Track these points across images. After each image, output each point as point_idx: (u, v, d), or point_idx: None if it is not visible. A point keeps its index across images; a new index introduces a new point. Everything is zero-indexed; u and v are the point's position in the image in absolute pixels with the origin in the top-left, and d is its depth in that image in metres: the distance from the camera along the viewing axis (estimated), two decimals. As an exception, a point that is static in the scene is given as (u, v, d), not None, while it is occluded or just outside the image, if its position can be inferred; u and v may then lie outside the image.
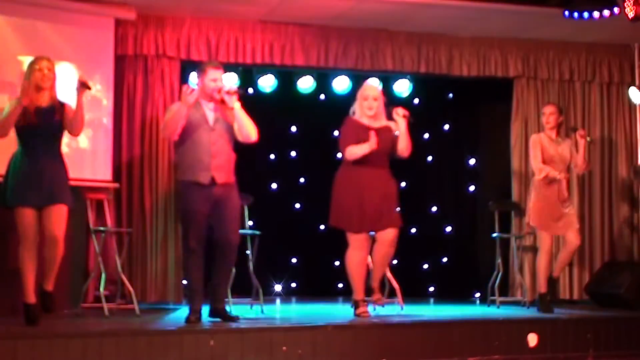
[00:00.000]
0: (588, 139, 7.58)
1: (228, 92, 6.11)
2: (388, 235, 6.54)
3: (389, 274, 7.58)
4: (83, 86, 5.80)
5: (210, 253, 6.16)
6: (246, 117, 6.18)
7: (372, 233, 6.61)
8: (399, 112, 6.58)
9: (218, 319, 6.09)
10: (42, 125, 5.76)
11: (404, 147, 6.62)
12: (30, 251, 5.76)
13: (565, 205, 7.40)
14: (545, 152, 7.40)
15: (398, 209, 6.72)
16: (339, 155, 6.70)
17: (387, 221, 6.54)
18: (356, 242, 6.51)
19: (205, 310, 6.16)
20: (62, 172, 5.87)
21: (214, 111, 6.16)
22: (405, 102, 8.75)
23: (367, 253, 6.57)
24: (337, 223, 6.58)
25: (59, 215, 5.80)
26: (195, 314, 6.03)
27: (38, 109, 5.77)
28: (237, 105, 6.12)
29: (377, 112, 6.62)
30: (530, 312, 7.41)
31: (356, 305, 6.57)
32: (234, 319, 6.07)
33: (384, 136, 6.56)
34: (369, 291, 6.65)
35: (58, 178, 5.82)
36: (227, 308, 6.30)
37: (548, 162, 7.39)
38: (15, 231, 5.86)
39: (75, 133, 5.93)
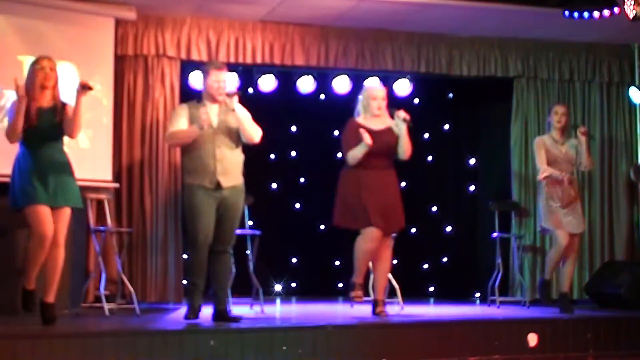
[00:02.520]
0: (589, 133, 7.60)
1: (228, 95, 6.11)
2: (387, 241, 6.58)
3: (389, 274, 7.58)
4: (84, 88, 5.76)
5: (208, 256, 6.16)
6: (248, 118, 6.18)
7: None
8: (400, 115, 6.60)
9: (221, 321, 6.08)
10: (44, 126, 5.75)
11: (404, 149, 6.63)
12: (44, 249, 5.69)
13: (575, 204, 7.40)
14: (549, 153, 7.39)
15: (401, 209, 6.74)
16: (340, 155, 6.71)
17: (392, 223, 6.56)
18: (368, 234, 6.50)
19: (207, 311, 6.16)
20: (67, 171, 5.86)
21: (218, 114, 6.16)
22: (405, 102, 8.78)
23: (377, 246, 6.55)
24: (342, 222, 6.59)
25: (63, 219, 5.80)
26: (194, 312, 6.04)
27: (40, 109, 5.76)
28: (237, 107, 6.12)
29: (382, 112, 6.65)
30: (530, 312, 7.41)
31: (353, 286, 6.57)
32: (237, 319, 6.08)
33: (387, 137, 6.59)
34: (374, 305, 6.64)
35: (63, 177, 5.81)
36: (230, 309, 6.30)
37: (552, 163, 7.38)
38: (18, 232, 5.85)
39: (72, 135, 5.87)
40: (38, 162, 5.72)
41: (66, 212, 5.83)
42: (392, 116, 6.69)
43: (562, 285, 7.44)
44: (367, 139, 6.43)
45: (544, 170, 7.34)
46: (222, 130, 6.12)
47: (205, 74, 6.23)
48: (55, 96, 5.85)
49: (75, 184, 5.92)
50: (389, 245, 6.72)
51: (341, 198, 6.60)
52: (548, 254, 7.59)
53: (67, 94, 5.97)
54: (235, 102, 6.11)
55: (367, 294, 6.71)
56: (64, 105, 5.86)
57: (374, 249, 6.54)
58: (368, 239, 6.49)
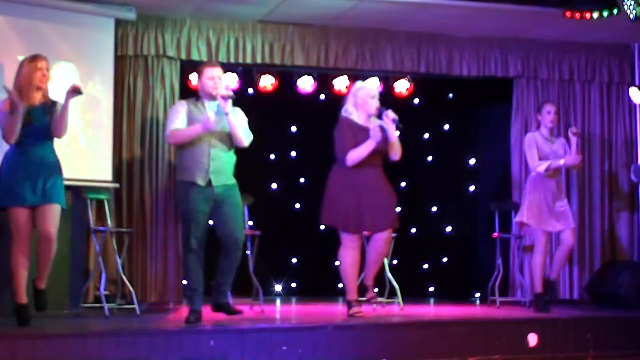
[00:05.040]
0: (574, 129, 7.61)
1: (223, 97, 6.12)
2: (383, 235, 6.53)
3: (389, 274, 7.58)
4: (74, 91, 5.77)
5: (215, 251, 6.16)
6: (240, 123, 6.18)
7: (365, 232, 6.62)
8: (389, 115, 6.54)
9: (221, 313, 6.10)
10: (35, 125, 5.75)
11: (394, 150, 6.58)
12: (24, 251, 5.76)
13: (561, 202, 7.42)
14: (540, 150, 7.44)
15: (398, 208, 6.71)
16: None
17: (384, 222, 6.53)
18: (349, 242, 6.49)
19: (206, 308, 6.18)
20: (56, 171, 5.86)
21: (216, 113, 6.17)
22: (405, 102, 8.79)
23: (360, 252, 6.56)
24: (331, 222, 6.56)
25: (53, 215, 5.80)
26: (195, 314, 6.04)
27: (31, 108, 5.76)
28: (231, 110, 6.12)
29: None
30: (530, 312, 7.41)
31: (349, 305, 6.56)
32: (238, 312, 6.09)
33: (382, 135, 6.55)
34: (362, 290, 6.64)
35: (52, 177, 5.81)
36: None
37: (542, 160, 7.42)
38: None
39: (59, 135, 5.86)
40: (28, 161, 5.73)
41: (54, 208, 5.81)
42: (380, 116, 6.64)
43: (551, 272, 7.42)
44: (377, 135, 6.40)
45: (540, 165, 7.36)
46: (218, 129, 6.13)
47: (200, 73, 6.26)
48: (45, 95, 5.85)
49: (62, 184, 5.92)
50: (384, 240, 6.55)
51: (332, 197, 6.54)
52: (532, 261, 7.51)
53: (61, 94, 5.95)
54: (229, 105, 6.12)
55: (362, 295, 6.69)
56: (53, 103, 5.86)
57: (357, 257, 6.52)
58: (350, 247, 6.48)
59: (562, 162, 7.39)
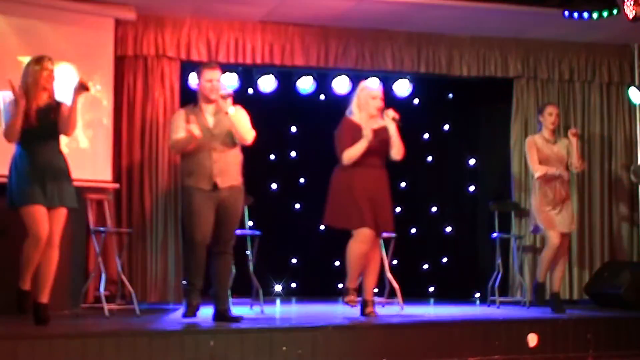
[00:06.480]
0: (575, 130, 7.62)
1: (222, 97, 6.11)
2: (377, 241, 6.57)
3: (389, 274, 7.58)
4: (82, 87, 5.77)
5: (208, 257, 6.17)
6: (242, 120, 6.17)
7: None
8: (389, 114, 6.54)
9: (222, 322, 6.09)
10: (42, 125, 5.75)
11: (395, 149, 6.59)
12: (39, 249, 5.68)
13: (565, 204, 7.42)
14: (540, 153, 7.43)
15: (397, 209, 6.70)
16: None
17: (383, 224, 6.53)
18: (360, 236, 6.44)
19: (207, 312, 6.17)
20: (63, 172, 5.86)
21: (214, 115, 6.17)
22: (405, 103, 8.79)
23: (370, 248, 6.52)
24: (334, 222, 6.55)
25: (59, 220, 5.79)
26: (191, 310, 6.08)
27: (38, 109, 5.76)
28: (231, 109, 6.12)
29: (377, 112, 6.63)
30: (530, 312, 7.41)
31: (346, 292, 6.54)
32: (238, 319, 6.08)
33: (383, 136, 6.55)
34: (363, 305, 6.64)
35: (60, 178, 5.80)
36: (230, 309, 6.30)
37: (544, 163, 7.43)
38: (16, 232, 5.85)
39: (67, 133, 5.85)
40: (35, 162, 5.72)
41: (62, 213, 5.82)
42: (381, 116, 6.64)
43: (553, 286, 7.45)
44: (369, 135, 6.39)
45: (538, 169, 7.38)
46: (218, 131, 6.13)
47: (199, 74, 6.26)
48: (50, 95, 5.85)
49: (71, 184, 5.91)
50: (379, 246, 6.68)
51: (334, 197, 6.53)
52: (541, 255, 7.58)
53: (65, 93, 5.95)
54: (229, 104, 6.12)
55: (360, 294, 6.69)
56: (59, 104, 5.85)
57: (367, 250, 6.49)
58: (361, 241, 6.44)
59: (557, 172, 7.39)
